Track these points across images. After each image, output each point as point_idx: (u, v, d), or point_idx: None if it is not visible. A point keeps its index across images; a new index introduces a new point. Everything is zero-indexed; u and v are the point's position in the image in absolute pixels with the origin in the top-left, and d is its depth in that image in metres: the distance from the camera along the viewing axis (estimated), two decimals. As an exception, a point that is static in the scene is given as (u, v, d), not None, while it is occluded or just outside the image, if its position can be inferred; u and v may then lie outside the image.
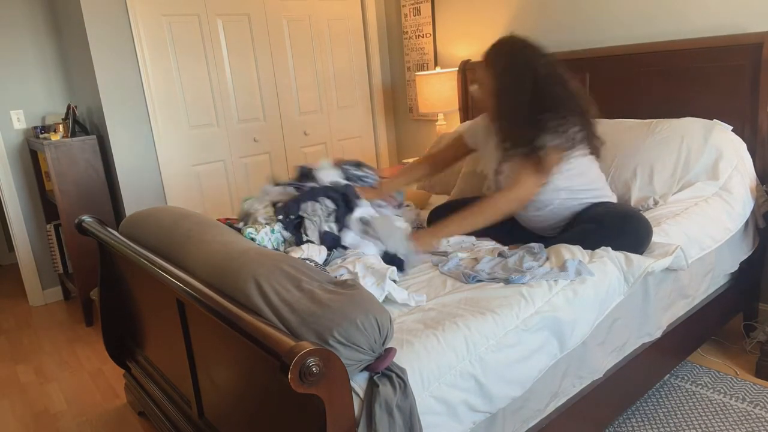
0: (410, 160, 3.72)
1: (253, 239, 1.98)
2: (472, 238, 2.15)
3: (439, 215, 2.32)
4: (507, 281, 1.71)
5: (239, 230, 2.10)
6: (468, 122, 2.77)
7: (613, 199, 2.16)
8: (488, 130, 2.22)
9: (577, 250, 1.82)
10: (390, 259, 1.91)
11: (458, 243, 2.12)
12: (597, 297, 1.70)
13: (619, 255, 1.80)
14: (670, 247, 1.88)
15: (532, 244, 1.92)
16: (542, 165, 1.97)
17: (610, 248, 1.83)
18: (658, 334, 1.97)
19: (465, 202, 2.27)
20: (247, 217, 2.19)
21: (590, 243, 1.86)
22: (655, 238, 1.93)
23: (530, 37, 2.05)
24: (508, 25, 3.40)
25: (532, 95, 1.95)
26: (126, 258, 1.96)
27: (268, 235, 2.03)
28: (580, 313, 1.65)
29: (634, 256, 1.80)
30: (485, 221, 2.00)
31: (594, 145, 2.07)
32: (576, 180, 2.04)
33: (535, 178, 1.98)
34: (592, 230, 1.90)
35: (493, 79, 2.04)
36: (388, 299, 1.65)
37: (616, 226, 1.88)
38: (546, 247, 1.91)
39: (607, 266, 1.76)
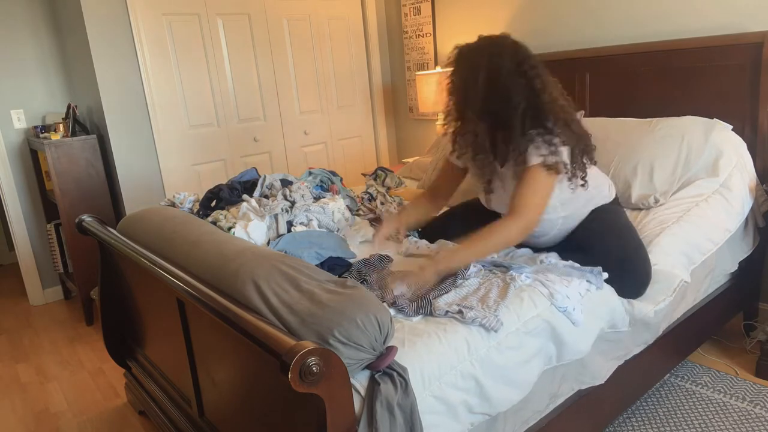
0: (410, 160, 3.71)
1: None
2: None
3: (440, 223, 2.22)
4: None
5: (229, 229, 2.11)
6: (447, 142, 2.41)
7: (612, 194, 2.03)
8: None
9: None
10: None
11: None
12: (597, 311, 1.68)
13: (623, 300, 1.78)
14: (674, 280, 1.88)
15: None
16: (538, 185, 1.75)
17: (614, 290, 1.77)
18: (651, 340, 1.97)
19: (466, 207, 2.23)
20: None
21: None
22: (656, 249, 1.92)
23: (510, 36, 1.80)
24: (508, 24, 3.40)
25: (501, 104, 1.74)
26: (126, 257, 1.96)
27: (260, 228, 2.06)
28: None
29: (635, 302, 1.80)
30: (496, 250, 1.76)
31: (590, 155, 1.89)
32: (569, 194, 1.88)
33: (538, 199, 1.76)
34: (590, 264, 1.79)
35: (454, 86, 1.85)
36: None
37: (614, 270, 1.77)
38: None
39: (612, 295, 1.75)
